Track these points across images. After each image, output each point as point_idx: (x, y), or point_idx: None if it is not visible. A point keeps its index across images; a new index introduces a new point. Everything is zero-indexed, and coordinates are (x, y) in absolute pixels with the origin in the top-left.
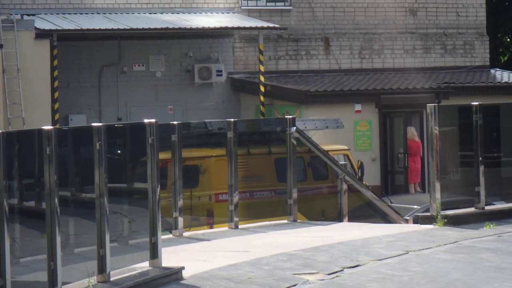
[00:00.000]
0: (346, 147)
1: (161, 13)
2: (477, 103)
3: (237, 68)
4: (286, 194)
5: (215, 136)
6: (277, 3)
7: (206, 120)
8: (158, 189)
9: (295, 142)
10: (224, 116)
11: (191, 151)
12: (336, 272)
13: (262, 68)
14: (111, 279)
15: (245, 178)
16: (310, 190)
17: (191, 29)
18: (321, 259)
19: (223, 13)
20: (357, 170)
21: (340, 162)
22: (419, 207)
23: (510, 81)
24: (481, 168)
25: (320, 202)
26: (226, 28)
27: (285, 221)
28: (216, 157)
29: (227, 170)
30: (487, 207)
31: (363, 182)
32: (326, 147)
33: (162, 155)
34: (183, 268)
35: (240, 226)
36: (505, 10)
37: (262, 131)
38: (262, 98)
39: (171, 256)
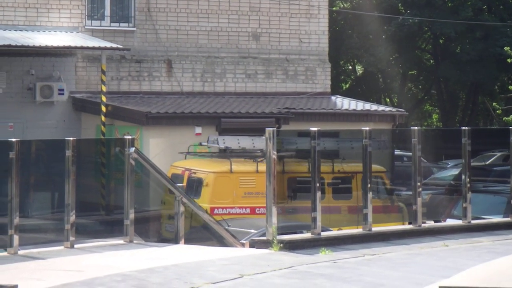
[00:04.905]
0: (383, 169)
1: (4, 30)
2: (315, 128)
3: (79, 88)
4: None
5: None
6: (121, 24)
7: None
8: None
9: (133, 163)
10: (65, 135)
11: None
12: None
13: (104, 88)
14: None
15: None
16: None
17: (33, 47)
18: (155, 281)
19: (66, 32)
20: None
21: (178, 184)
22: (256, 231)
23: (350, 108)
24: (318, 193)
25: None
26: (69, 47)
27: (122, 241)
28: None
29: (65, 190)
30: (323, 233)
31: None
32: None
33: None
34: (16, 286)
35: (76, 246)
36: (347, 38)
37: (101, 151)
38: (103, 118)
39: (5, 274)
